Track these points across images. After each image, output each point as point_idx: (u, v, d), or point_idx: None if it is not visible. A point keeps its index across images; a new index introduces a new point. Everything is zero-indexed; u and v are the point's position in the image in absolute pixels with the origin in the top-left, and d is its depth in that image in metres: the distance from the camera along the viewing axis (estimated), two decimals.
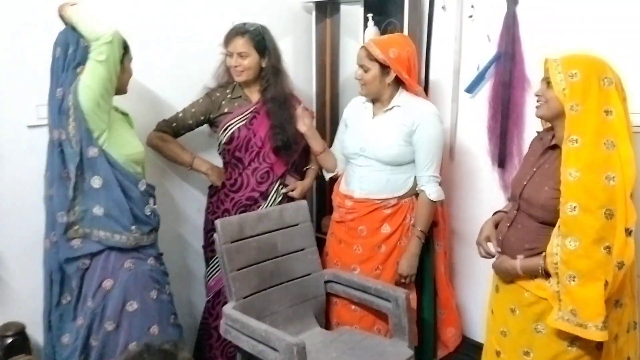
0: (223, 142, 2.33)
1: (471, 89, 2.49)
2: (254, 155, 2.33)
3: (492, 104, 2.44)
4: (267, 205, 2.36)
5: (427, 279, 2.29)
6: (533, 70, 2.30)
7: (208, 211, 2.44)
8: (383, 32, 2.71)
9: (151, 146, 2.29)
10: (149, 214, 1.92)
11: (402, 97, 2.19)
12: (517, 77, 2.33)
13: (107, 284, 1.85)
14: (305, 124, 2.32)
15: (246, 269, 2.12)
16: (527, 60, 2.32)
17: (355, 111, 2.33)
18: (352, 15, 2.98)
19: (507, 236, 1.79)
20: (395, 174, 2.18)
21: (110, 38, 1.73)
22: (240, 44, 2.25)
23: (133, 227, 1.85)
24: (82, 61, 1.77)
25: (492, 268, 1.85)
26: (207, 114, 2.35)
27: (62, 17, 1.81)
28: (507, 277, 1.78)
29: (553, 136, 1.74)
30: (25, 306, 2.06)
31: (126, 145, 1.89)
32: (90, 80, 1.75)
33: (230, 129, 2.32)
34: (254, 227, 2.18)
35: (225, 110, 2.34)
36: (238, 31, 2.27)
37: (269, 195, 2.38)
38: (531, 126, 2.34)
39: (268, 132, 2.33)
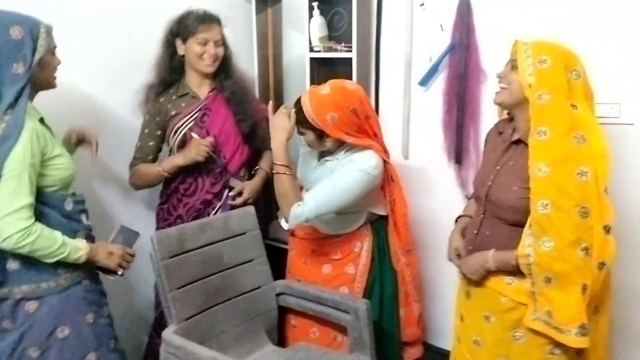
0: (176, 145, 2.14)
1: (424, 81, 2.36)
2: (208, 155, 2.10)
3: (447, 98, 2.31)
4: (221, 208, 2.18)
5: (386, 306, 2.06)
6: (488, 61, 2.20)
7: (159, 218, 2.23)
8: (329, 23, 2.54)
9: (135, 187, 2.21)
10: (82, 237, 1.67)
11: (344, 149, 1.92)
12: (472, 69, 2.22)
13: (31, 306, 1.58)
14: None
15: (188, 287, 1.89)
16: (482, 51, 2.21)
17: (305, 150, 2.09)
18: (295, 5, 2.80)
19: (476, 244, 1.66)
20: (340, 215, 1.95)
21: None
22: (217, 31, 2.11)
23: (60, 270, 1.60)
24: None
25: (459, 269, 1.72)
26: (160, 125, 2.14)
27: None
28: (476, 274, 1.64)
29: (514, 129, 1.62)
30: None
31: (57, 175, 1.61)
32: None
33: (181, 132, 2.12)
34: (195, 238, 1.95)
35: (173, 112, 2.13)
36: (213, 18, 2.11)
37: (222, 196, 2.19)
38: (488, 120, 2.23)
39: (224, 126, 2.16)
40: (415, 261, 2.14)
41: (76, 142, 1.93)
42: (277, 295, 2.12)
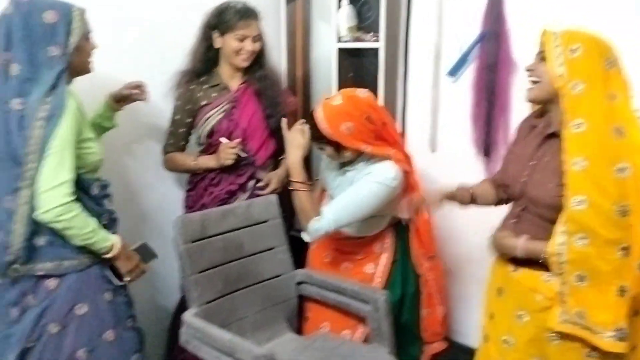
0: (204, 134, 2.16)
1: (454, 72, 2.32)
2: (237, 157, 2.12)
3: (476, 89, 2.26)
4: (246, 198, 2.19)
5: (407, 303, 2.04)
6: (520, 52, 2.14)
7: (186, 204, 2.27)
8: (358, 13, 2.52)
9: (169, 170, 2.29)
10: (105, 222, 1.70)
11: (361, 163, 1.90)
12: (502, 59, 2.16)
13: (51, 283, 1.62)
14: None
15: (209, 271, 1.91)
16: (514, 41, 2.15)
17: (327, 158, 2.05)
18: None
19: (514, 233, 1.58)
20: (365, 219, 1.93)
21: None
22: (256, 26, 2.10)
23: (83, 249, 1.63)
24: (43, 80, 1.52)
25: (490, 240, 1.63)
26: (190, 113, 2.17)
27: None
28: (497, 251, 1.61)
29: (547, 123, 1.55)
30: None
31: (87, 159, 1.65)
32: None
33: (211, 122, 2.14)
34: (217, 224, 1.97)
35: (204, 102, 2.15)
36: (253, 13, 2.10)
37: (247, 187, 2.20)
38: (518, 112, 2.17)
39: (253, 119, 2.17)
40: (439, 266, 2.12)
41: (118, 100, 1.98)
42: (298, 284, 2.12)
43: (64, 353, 1.61)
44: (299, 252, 2.22)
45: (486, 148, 2.27)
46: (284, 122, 1.96)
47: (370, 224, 1.97)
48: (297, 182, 1.86)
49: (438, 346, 2.17)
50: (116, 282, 1.71)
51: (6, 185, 1.53)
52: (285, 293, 2.10)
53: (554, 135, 1.50)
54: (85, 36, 1.62)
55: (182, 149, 2.22)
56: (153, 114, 2.27)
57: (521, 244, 1.51)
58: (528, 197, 1.54)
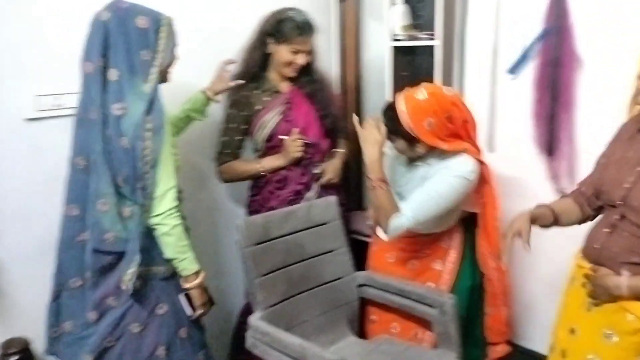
0: (262, 139, 2.15)
1: (514, 69, 2.26)
2: (305, 147, 2.13)
3: (539, 86, 2.21)
4: (313, 197, 2.19)
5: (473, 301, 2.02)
6: (584, 47, 2.07)
7: (251, 209, 2.24)
8: (412, 11, 2.48)
9: (226, 181, 2.25)
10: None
11: (434, 158, 1.86)
12: (566, 55, 2.10)
13: (135, 285, 1.64)
14: None
15: (273, 274, 1.90)
16: (578, 36, 2.08)
17: (391, 153, 1.99)
18: None
19: (608, 245, 1.47)
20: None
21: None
22: (311, 42, 2.11)
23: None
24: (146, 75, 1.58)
25: (587, 280, 1.50)
26: (246, 119, 2.16)
27: None
28: (604, 295, 1.45)
29: None
30: (30, 320, 1.83)
31: (175, 164, 1.70)
32: None
33: (269, 125, 2.13)
34: (280, 226, 1.96)
35: (258, 107, 2.14)
36: (310, 29, 2.09)
37: (310, 184, 2.20)
38: (583, 109, 2.12)
39: (307, 119, 2.17)
40: (504, 266, 2.04)
41: (217, 92, 2.07)
42: (359, 286, 2.10)
43: (145, 351, 1.66)
44: (357, 254, 2.20)
45: (549, 147, 2.21)
46: (356, 119, 1.91)
47: (440, 220, 1.92)
48: (377, 179, 1.81)
49: (502, 349, 2.12)
50: (189, 312, 1.74)
51: (101, 188, 1.57)
52: (347, 296, 2.08)
53: None
54: (172, 46, 1.65)
55: (238, 157, 2.21)
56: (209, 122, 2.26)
57: (626, 283, 1.39)
58: (631, 206, 1.42)
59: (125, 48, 1.53)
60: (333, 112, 2.23)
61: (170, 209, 1.60)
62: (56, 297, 1.69)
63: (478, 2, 2.34)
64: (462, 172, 1.79)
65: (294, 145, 2.09)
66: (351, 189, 2.83)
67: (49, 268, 1.72)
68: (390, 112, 1.80)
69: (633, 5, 1.92)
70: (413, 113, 1.75)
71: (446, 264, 1.97)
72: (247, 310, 2.14)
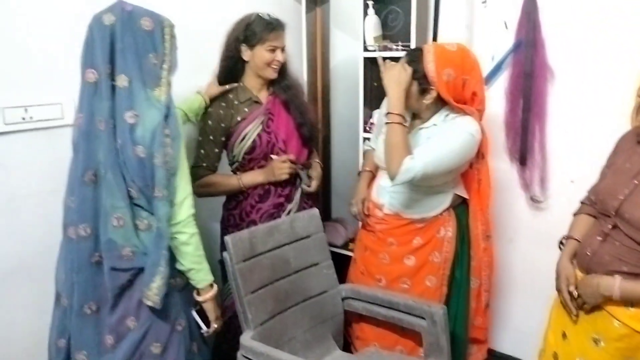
0: (243, 152, 2.07)
1: (487, 80, 2.31)
2: (271, 158, 2.08)
3: (510, 97, 2.27)
4: (294, 208, 2.15)
5: (461, 292, 2.02)
6: (556, 59, 2.15)
7: (228, 224, 2.14)
8: (383, 21, 2.50)
9: (200, 196, 2.05)
10: None
11: (442, 116, 1.87)
12: (539, 67, 2.18)
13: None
14: None
15: (261, 291, 1.84)
16: (549, 48, 2.16)
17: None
18: (342, 5, 2.76)
19: (599, 252, 1.50)
20: (429, 194, 1.92)
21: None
22: (283, 37, 2.07)
23: None
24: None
25: (577, 286, 1.55)
26: (226, 130, 2.07)
27: None
28: (592, 297, 1.48)
29: None
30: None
31: None
32: None
33: (250, 137, 2.06)
34: (264, 241, 1.90)
35: (238, 118, 2.07)
36: (281, 24, 2.06)
37: (292, 196, 2.15)
38: (555, 119, 2.20)
39: (287, 129, 2.12)
40: (492, 248, 2.07)
41: (208, 99, 2.06)
42: (343, 299, 2.07)
43: None
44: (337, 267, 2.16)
45: (522, 156, 2.28)
46: (380, 59, 1.90)
47: (434, 202, 1.92)
48: (397, 114, 1.76)
49: (480, 355, 2.16)
50: (205, 329, 1.67)
51: (114, 202, 1.47)
52: (332, 309, 2.04)
53: None
54: (175, 50, 1.57)
55: (216, 170, 2.12)
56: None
57: (619, 284, 1.42)
58: (624, 217, 1.45)
59: (134, 52, 1.44)
60: (309, 120, 2.20)
61: (188, 217, 1.54)
62: (61, 332, 1.56)
63: (450, 14, 2.38)
64: (469, 129, 1.79)
65: (282, 167, 2.04)
66: (323, 199, 2.80)
67: (18, 289, 1.60)
68: (416, 52, 1.82)
69: (602, 18, 2.01)
70: (438, 58, 1.77)
71: (442, 254, 1.96)
72: (230, 326, 2.06)
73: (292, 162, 2.06)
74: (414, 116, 1.94)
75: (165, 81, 1.50)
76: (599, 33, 2.05)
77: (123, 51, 1.43)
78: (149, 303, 1.49)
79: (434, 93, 1.80)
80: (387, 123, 1.78)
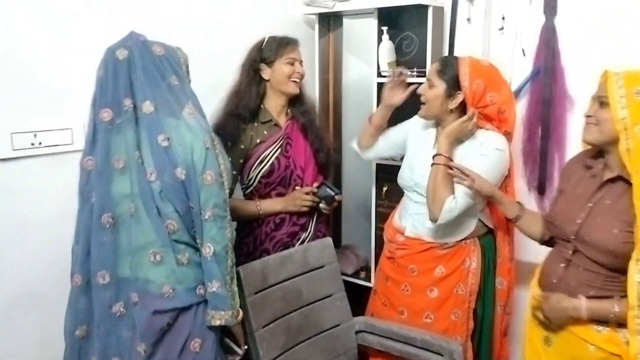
0: (260, 175, 2.02)
1: None
2: (295, 187, 2.04)
3: (528, 125, 2.22)
4: (308, 237, 2.08)
5: (486, 326, 1.97)
6: (575, 87, 2.11)
7: (240, 252, 2.05)
8: (397, 47, 2.46)
9: None
10: None
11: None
12: (558, 95, 2.13)
13: (196, 344, 1.46)
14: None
15: (272, 324, 1.78)
16: (569, 76, 2.11)
17: (417, 134, 2.01)
18: (355, 30, 2.74)
19: (565, 279, 1.51)
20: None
21: None
22: (300, 52, 2.07)
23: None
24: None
25: (542, 309, 1.54)
26: (244, 152, 2.02)
27: None
28: (559, 320, 1.49)
29: (605, 165, 1.49)
30: None
31: None
32: None
33: (269, 160, 2.01)
34: (277, 272, 1.85)
35: (258, 140, 2.02)
36: (294, 39, 2.08)
37: (308, 225, 2.09)
38: (574, 147, 2.13)
39: (305, 155, 2.08)
40: (513, 270, 2.02)
41: None
42: (357, 333, 2.00)
43: None
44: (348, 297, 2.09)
45: (540, 185, 2.22)
46: (392, 71, 2.02)
47: (458, 225, 1.87)
48: (444, 156, 1.78)
49: None
50: (240, 350, 1.58)
51: (149, 238, 1.40)
52: (345, 343, 1.97)
53: (618, 179, 1.45)
54: (188, 69, 1.55)
55: (232, 193, 2.05)
56: None
57: (586, 305, 1.44)
58: (584, 240, 1.47)
59: (155, 77, 1.42)
60: (326, 145, 2.16)
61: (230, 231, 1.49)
62: None
63: (466, 40, 2.35)
64: (497, 145, 1.81)
65: (305, 198, 2.01)
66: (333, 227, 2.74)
67: (24, 319, 1.54)
68: (451, 59, 1.87)
69: (622, 46, 1.96)
70: (472, 67, 1.80)
71: (468, 286, 1.89)
72: None
73: (314, 194, 2.03)
74: (438, 125, 1.94)
75: (190, 100, 1.46)
76: (618, 61, 2.00)
77: (143, 79, 1.40)
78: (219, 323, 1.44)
79: (460, 98, 1.81)
80: (433, 164, 1.78)
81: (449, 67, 1.82)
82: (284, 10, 2.56)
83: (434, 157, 1.79)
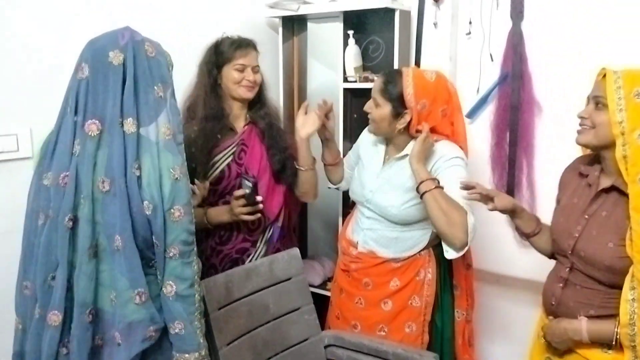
0: (208, 182, 1.87)
1: (472, 113, 2.24)
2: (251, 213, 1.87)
3: (497, 131, 2.20)
4: (256, 254, 1.95)
5: (446, 336, 1.90)
6: (542, 93, 2.10)
7: None
8: (364, 52, 2.41)
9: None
10: None
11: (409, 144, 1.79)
12: (526, 100, 2.12)
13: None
14: (328, 127, 2.00)
15: (237, 342, 1.67)
16: (536, 82, 2.10)
17: (367, 148, 1.94)
18: (319, 34, 2.68)
19: (564, 300, 1.44)
20: (406, 232, 1.80)
21: None
22: (254, 56, 1.95)
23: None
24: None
25: (542, 331, 1.49)
26: (194, 157, 1.85)
27: None
28: (562, 343, 1.43)
29: (600, 172, 1.41)
30: None
31: None
32: None
33: (218, 167, 1.89)
34: (242, 286, 1.75)
35: (211, 143, 1.89)
36: (249, 43, 1.94)
37: (258, 242, 1.97)
38: (542, 153, 2.13)
39: (261, 162, 1.95)
40: (472, 277, 1.97)
41: None
42: (325, 347, 1.91)
43: None
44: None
45: (509, 192, 2.19)
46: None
47: (412, 239, 1.81)
48: (428, 180, 1.64)
49: None
50: None
51: (135, 277, 1.26)
52: (314, 358, 1.88)
53: (613, 188, 1.37)
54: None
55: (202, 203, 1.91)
56: None
57: (586, 327, 1.37)
58: (580, 256, 1.39)
59: (143, 84, 1.26)
60: (284, 149, 2.00)
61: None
62: None
63: (433, 45, 2.31)
64: (455, 154, 1.74)
65: (235, 205, 1.82)
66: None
67: None
68: (395, 75, 1.75)
69: (589, 51, 1.96)
70: (416, 85, 1.70)
71: (424, 298, 1.82)
72: None
73: (254, 202, 1.83)
74: (388, 142, 1.87)
75: (168, 115, 1.30)
76: (586, 66, 1.99)
77: (132, 91, 1.25)
78: None
79: (408, 117, 1.73)
80: (424, 194, 1.63)
81: (392, 86, 1.73)
82: (246, 13, 2.48)
83: (418, 187, 1.65)
